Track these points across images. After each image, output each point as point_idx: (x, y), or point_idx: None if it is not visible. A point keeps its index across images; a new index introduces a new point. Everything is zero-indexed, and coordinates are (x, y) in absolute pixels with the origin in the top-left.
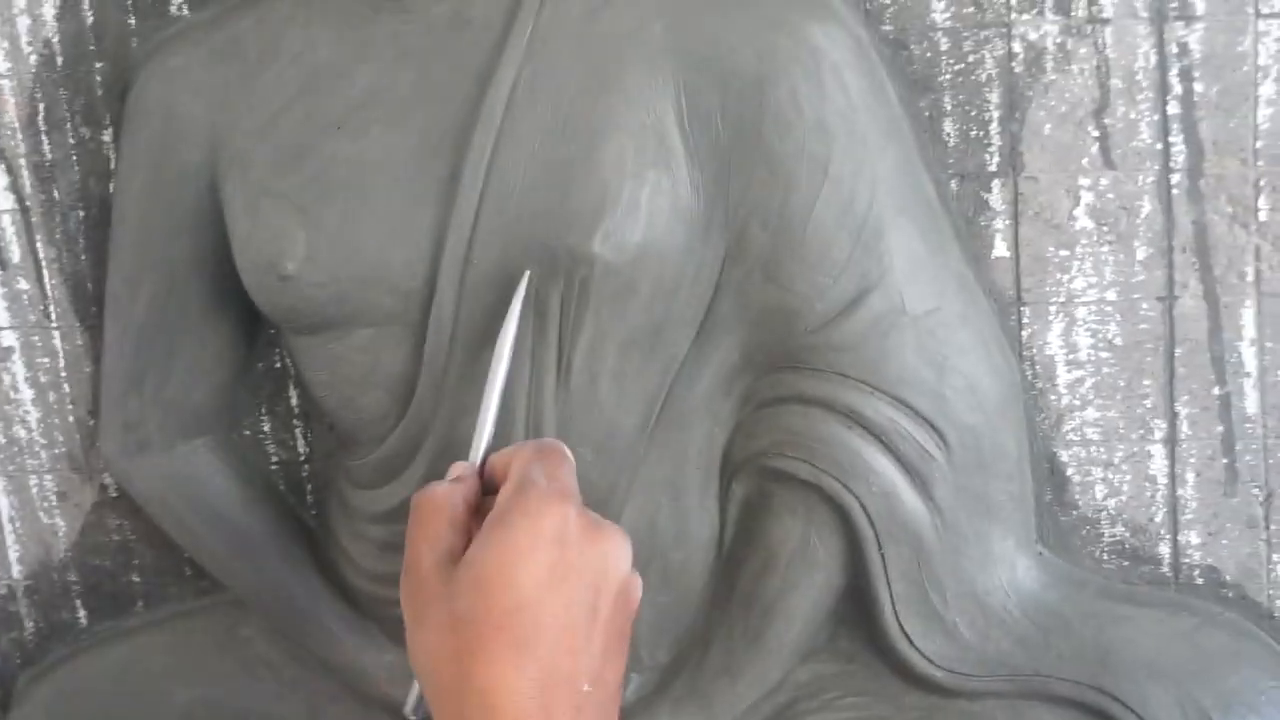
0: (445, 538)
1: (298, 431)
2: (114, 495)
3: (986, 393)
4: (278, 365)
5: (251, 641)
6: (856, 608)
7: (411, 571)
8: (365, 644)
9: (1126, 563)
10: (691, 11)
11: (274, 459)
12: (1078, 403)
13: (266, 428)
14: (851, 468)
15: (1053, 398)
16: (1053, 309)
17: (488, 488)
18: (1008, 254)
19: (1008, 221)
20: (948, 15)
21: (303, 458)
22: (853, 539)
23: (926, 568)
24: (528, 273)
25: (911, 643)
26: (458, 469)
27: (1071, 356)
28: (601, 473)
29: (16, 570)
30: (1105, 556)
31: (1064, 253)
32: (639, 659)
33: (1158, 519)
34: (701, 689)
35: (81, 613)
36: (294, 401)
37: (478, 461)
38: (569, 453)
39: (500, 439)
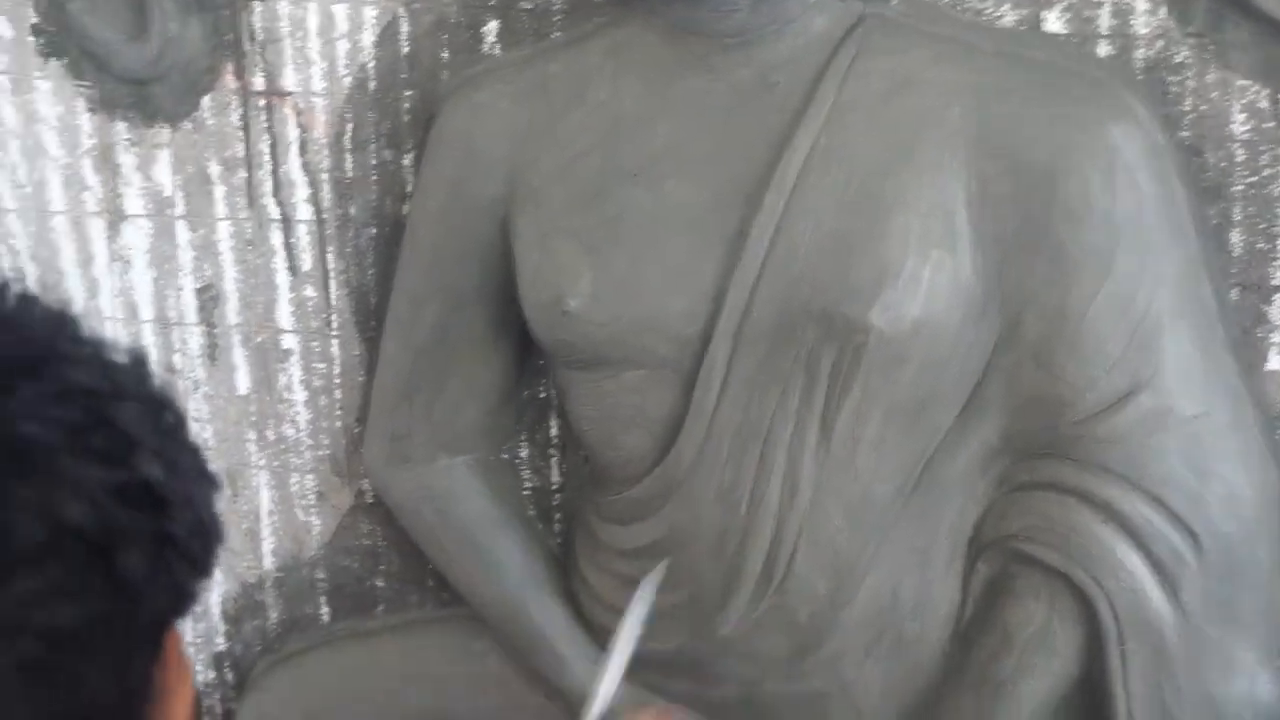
0: None
1: (553, 461)
2: (370, 501)
3: (1246, 503)
4: (542, 395)
5: (485, 656)
6: (1088, 699)
7: None
8: (595, 674)
9: None
10: (990, 99)
11: (528, 485)
12: None
13: (524, 454)
14: (1102, 560)
15: None
16: None
17: None
18: None
19: None
20: (1247, 128)
21: (555, 487)
22: (1094, 631)
23: (1166, 669)
24: (663, 564)
25: None
26: None
27: None
28: (850, 538)
29: (269, 561)
30: None
31: None
32: None
33: None
34: None
35: (325, 609)
36: (554, 432)
37: None
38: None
39: (758, 492)
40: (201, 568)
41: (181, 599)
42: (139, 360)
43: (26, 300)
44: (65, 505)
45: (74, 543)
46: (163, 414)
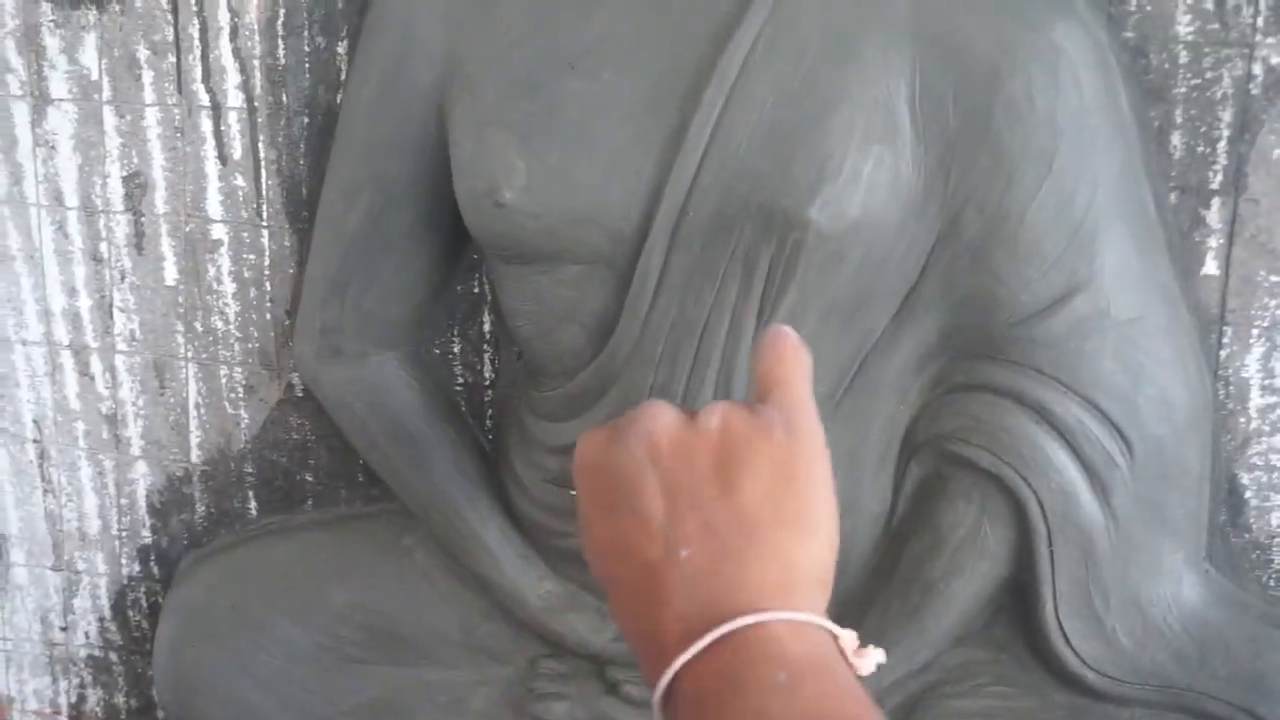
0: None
1: (486, 357)
2: (299, 395)
3: (1178, 406)
4: (476, 290)
5: (412, 551)
6: (1017, 599)
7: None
8: (526, 569)
9: None
10: None
11: (460, 380)
12: (1266, 428)
13: (456, 349)
14: (1033, 462)
15: (1242, 420)
16: (1255, 332)
17: None
18: (1218, 272)
19: (1222, 240)
20: (1191, 29)
21: (488, 382)
22: (1024, 532)
23: (1094, 571)
24: None
25: (1068, 642)
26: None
27: (1267, 382)
28: None
29: (196, 455)
30: (1272, 583)
31: (1275, 278)
32: None
33: None
34: None
35: (252, 504)
36: (487, 327)
37: None
38: None
39: (692, 388)
40: None
41: None
42: None
43: None
44: None
45: None
46: None
